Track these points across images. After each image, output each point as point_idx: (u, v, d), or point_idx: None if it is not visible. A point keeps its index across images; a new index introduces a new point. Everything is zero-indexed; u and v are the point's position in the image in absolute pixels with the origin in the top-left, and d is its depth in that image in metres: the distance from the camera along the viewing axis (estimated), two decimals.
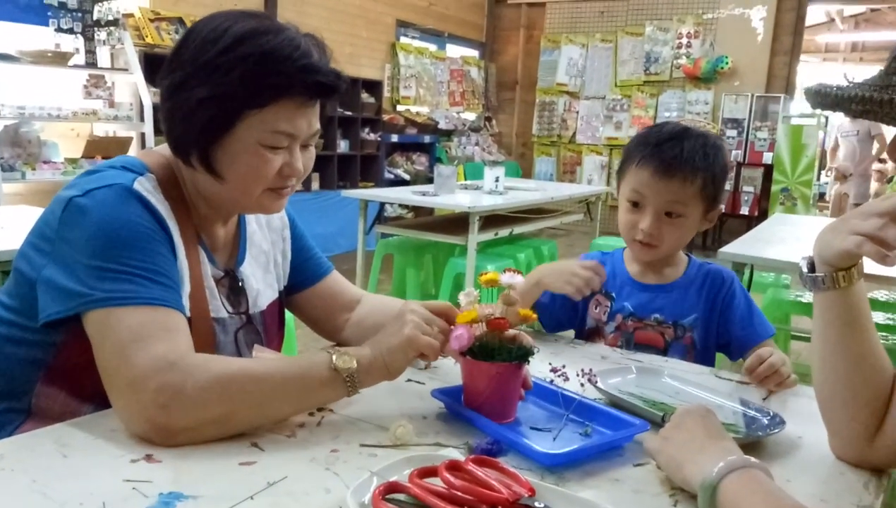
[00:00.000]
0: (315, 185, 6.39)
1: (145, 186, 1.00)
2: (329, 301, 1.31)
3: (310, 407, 0.95)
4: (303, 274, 1.30)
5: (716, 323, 1.41)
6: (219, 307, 1.10)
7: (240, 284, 1.16)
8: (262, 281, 1.21)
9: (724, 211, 7.44)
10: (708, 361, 1.40)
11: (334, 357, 0.94)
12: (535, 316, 1.12)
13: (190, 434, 0.87)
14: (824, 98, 0.83)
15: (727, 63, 7.68)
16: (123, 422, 0.89)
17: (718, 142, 1.37)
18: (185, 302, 1.01)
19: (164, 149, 1.09)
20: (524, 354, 1.00)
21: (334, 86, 1.02)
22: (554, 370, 1.05)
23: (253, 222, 1.22)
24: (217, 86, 0.96)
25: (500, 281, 1.03)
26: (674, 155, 1.29)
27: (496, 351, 0.99)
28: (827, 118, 7.98)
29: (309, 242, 1.32)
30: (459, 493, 0.71)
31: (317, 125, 1.06)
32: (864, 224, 0.82)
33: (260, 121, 0.99)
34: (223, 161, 1.01)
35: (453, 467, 0.76)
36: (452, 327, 1.00)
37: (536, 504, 0.70)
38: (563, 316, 1.49)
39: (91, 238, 0.92)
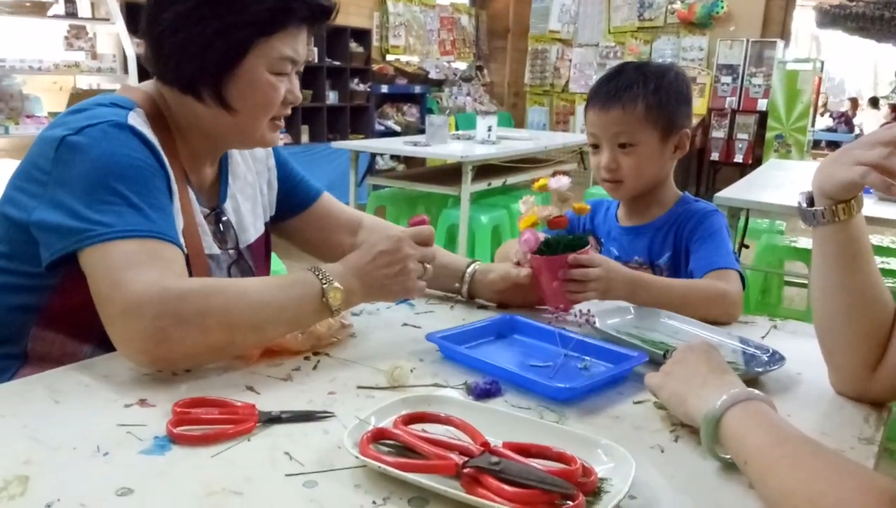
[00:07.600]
0: (304, 137, 6.29)
1: (138, 121, 0.99)
2: (325, 222, 1.31)
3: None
4: (294, 199, 1.30)
5: (683, 262, 1.39)
6: (211, 244, 1.12)
7: (225, 221, 1.16)
8: (252, 213, 1.22)
9: (717, 159, 7.52)
10: None
11: (325, 287, 0.95)
12: (588, 207, 1.30)
13: (190, 360, 0.88)
14: (823, 16, 0.81)
15: (722, 7, 7.53)
16: (121, 351, 0.88)
17: (663, 69, 1.41)
18: (181, 239, 1.00)
19: (146, 85, 1.06)
20: (582, 242, 1.15)
21: (331, 8, 1.06)
22: (552, 311, 1.11)
23: (236, 154, 1.22)
24: (232, 16, 0.97)
25: (549, 186, 1.17)
26: (610, 88, 1.38)
27: (558, 245, 1.14)
28: (823, 63, 7.87)
29: (295, 168, 1.32)
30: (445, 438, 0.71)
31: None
32: (869, 153, 0.79)
33: (269, 47, 1.00)
34: (235, 93, 1.02)
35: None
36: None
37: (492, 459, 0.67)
38: None
39: (88, 174, 0.91)
